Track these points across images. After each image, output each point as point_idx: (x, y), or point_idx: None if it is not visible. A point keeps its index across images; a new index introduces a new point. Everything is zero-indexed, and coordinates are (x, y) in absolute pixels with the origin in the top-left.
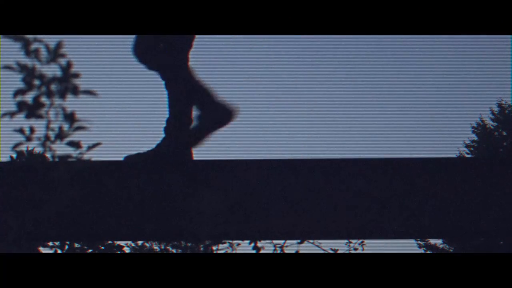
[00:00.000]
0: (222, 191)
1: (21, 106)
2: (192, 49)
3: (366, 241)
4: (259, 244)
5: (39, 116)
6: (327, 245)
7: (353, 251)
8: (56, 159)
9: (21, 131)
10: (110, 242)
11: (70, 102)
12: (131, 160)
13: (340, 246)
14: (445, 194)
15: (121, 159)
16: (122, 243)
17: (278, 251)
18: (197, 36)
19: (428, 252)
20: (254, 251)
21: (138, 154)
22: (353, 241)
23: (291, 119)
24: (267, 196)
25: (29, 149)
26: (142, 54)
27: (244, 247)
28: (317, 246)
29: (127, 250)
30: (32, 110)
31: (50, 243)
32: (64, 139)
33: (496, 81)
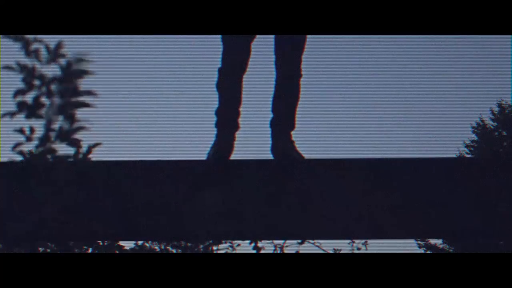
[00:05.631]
0: (222, 191)
1: (21, 106)
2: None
3: (368, 241)
4: (259, 244)
5: (39, 116)
6: (329, 245)
7: (356, 251)
8: (56, 159)
9: (21, 131)
10: (110, 242)
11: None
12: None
13: (343, 245)
14: (445, 194)
15: (121, 159)
16: (122, 243)
17: (278, 251)
18: (197, 36)
19: (428, 252)
20: (254, 251)
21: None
22: (356, 240)
23: None
24: (267, 196)
25: (29, 149)
26: None
27: (244, 247)
28: (317, 246)
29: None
30: (32, 110)
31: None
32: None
33: (496, 81)
